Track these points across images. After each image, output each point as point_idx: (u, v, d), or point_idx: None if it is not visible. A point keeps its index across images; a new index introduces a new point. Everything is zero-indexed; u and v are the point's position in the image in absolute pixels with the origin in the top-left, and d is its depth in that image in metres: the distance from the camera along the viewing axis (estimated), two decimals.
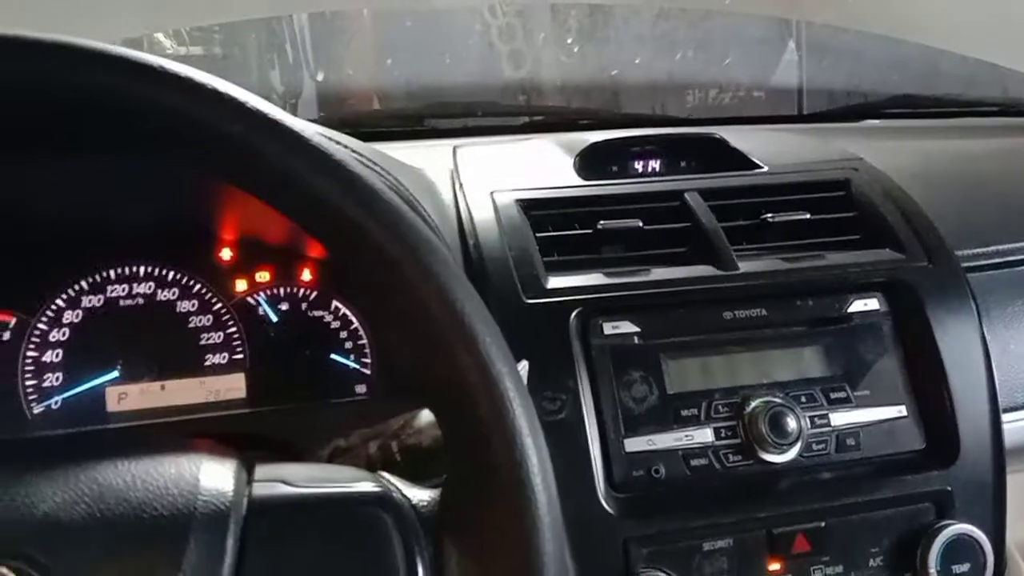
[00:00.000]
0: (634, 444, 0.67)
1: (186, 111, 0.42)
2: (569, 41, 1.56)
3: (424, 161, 0.87)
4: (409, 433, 0.54)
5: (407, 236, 0.42)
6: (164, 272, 0.75)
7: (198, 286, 0.75)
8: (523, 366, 0.55)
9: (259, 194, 0.44)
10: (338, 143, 0.59)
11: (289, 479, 0.43)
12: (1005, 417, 0.74)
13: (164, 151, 0.46)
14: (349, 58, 1.93)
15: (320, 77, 1.87)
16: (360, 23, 1.90)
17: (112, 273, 0.74)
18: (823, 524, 0.67)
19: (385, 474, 0.45)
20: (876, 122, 1.25)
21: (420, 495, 0.44)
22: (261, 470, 0.44)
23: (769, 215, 0.78)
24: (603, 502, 0.64)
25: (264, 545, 0.40)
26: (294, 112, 1.86)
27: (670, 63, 1.61)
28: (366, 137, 1.09)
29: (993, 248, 0.83)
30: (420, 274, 0.42)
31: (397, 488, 0.44)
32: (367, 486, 0.43)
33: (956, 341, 0.73)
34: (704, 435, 0.68)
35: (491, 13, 1.73)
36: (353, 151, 0.60)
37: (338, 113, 1.69)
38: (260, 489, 0.42)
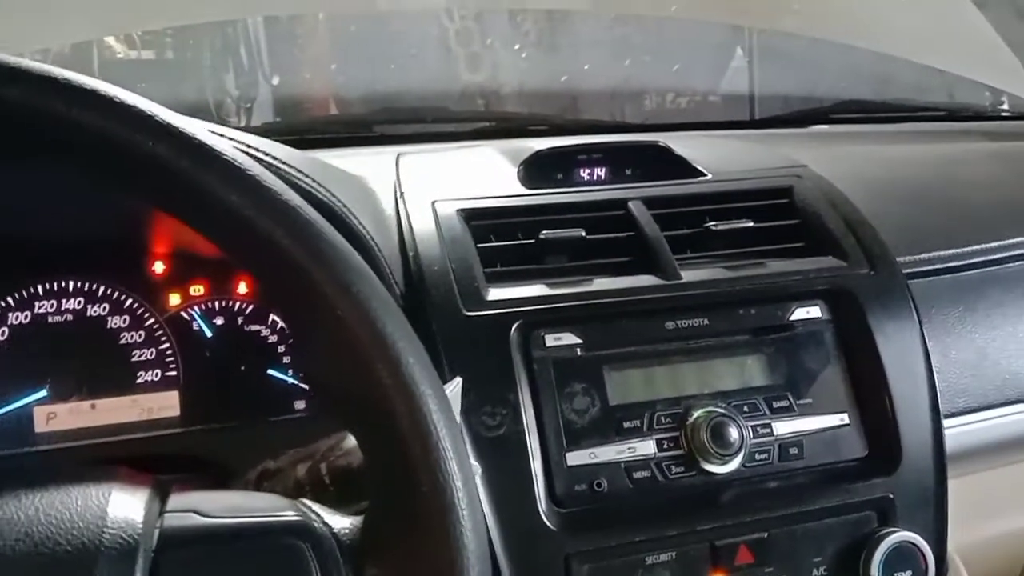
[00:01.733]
0: (576, 458, 0.66)
1: (98, 126, 0.40)
2: (517, 47, 1.55)
3: (369, 169, 0.85)
4: (338, 455, 0.53)
5: (326, 254, 0.41)
6: (94, 287, 0.73)
7: (129, 301, 0.73)
8: (456, 383, 0.54)
9: (169, 209, 0.42)
10: (266, 153, 0.58)
11: (203, 509, 0.41)
12: (947, 423, 0.75)
13: (74, 168, 0.44)
14: (305, 63, 1.90)
15: (275, 82, 1.84)
16: (316, 28, 1.87)
17: (40, 288, 0.72)
18: (766, 535, 0.67)
19: (306, 501, 0.44)
20: (825, 127, 1.26)
21: (341, 522, 0.43)
22: (175, 499, 0.42)
23: (713, 223, 0.78)
24: (544, 518, 0.63)
25: None
26: (248, 117, 1.84)
27: (624, 70, 1.61)
28: (315, 144, 1.07)
29: (935, 254, 0.84)
30: (340, 293, 0.41)
31: (318, 515, 0.43)
32: (285, 515, 0.42)
33: (897, 348, 0.73)
34: (647, 447, 0.68)
35: (448, 17, 1.72)
36: (282, 163, 0.59)
37: (293, 118, 1.67)
38: (172, 520, 0.40)
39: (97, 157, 0.41)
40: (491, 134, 1.16)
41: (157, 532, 0.40)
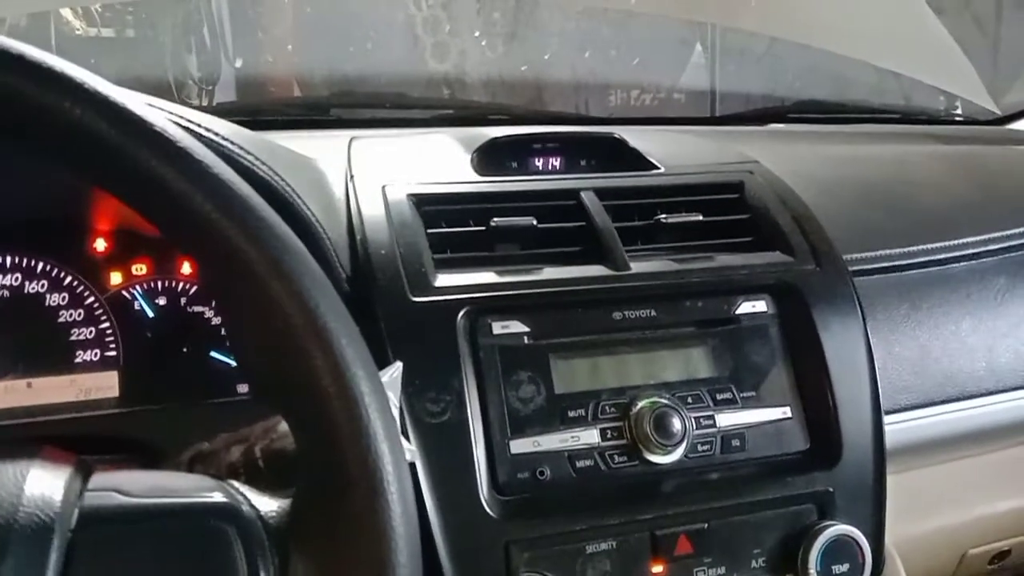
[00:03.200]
0: (520, 446, 0.66)
1: (27, 93, 0.39)
2: (477, 34, 1.54)
3: (323, 152, 0.84)
4: (274, 438, 0.52)
5: (259, 231, 0.40)
6: (32, 263, 0.71)
7: (69, 278, 0.72)
8: (396, 368, 0.54)
9: (102, 182, 0.41)
10: (208, 129, 0.57)
11: (125, 488, 0.40)
12: (887, 419, 0.76)
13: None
14: (267, 44, 1.88)
15: (238, 63, 1.81)
16: (280, 9, 1.85)
17: None
18: (706, 525, 0.67)
19: (234, 483, 0.43)
20: (782, 126, 1.27)
21: (269, 505, 0.42)
22: (97, 478, 0.41)
23: (663, 216, 0.78)
24: (485, 505, 0.63)
25: (92, 560, 0.38)
26: (209, 96, 1.81)
27: (588, 63, 1.61)
28: (272, 125, 1.06)
29: (882, 252, 0.85)
30: (271, 271, 0.40)
31: (245, 497, 0.42)
32: (210, 496, 0.41)
33: (840, 344, 0.74)
34: (590, 436, 0.68)
35: (415, 5, 1.71)
36: (224, 139, 0.58)
37: (252, 99, 1.65)
38: (92, 499, 0.39)
39: (27, 125, 0.40)
40: (451, 121, 1.16)
41: (76, 511, 0.39)
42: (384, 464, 0.40)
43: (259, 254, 0.40)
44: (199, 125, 0.56)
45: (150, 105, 0.46)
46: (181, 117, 0.55)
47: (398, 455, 0.41)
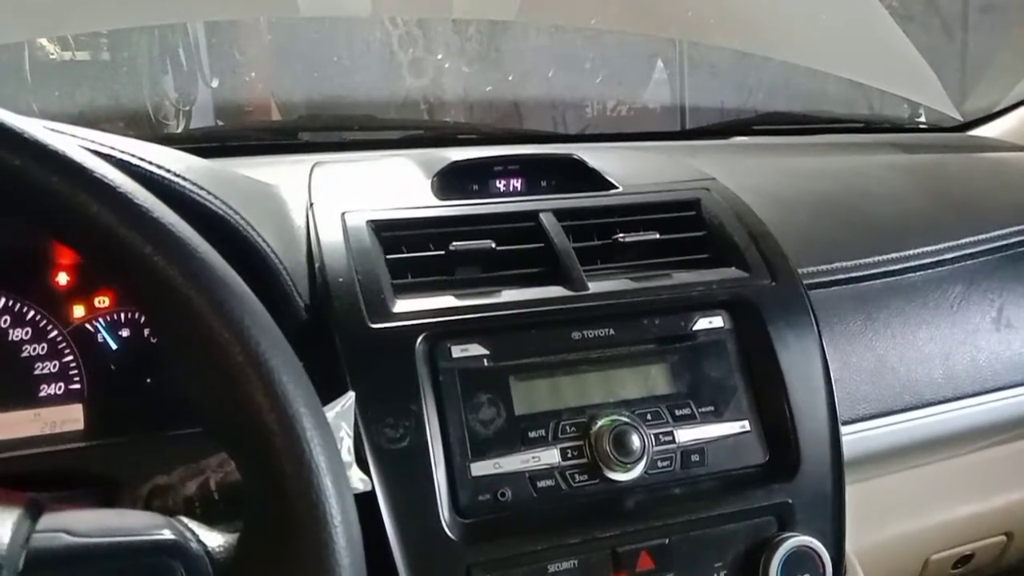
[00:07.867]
0: (481, 468, 0.67)
1: None
2: (440, 57, 1.56)
3: (288, 178, 0.85)
4: (228, 470, 0.53)
5: (199, 272, 0.41)
6: None
7: (32, 312, 0.72)
8: (347, 398, 0.54)
9: (38, 223, 0.42)
10: (159, 166, 0.57)
11: (74, 528, 0.41)
12: (846, 429, 0.77)
13: None
14: (246, 65, 1.89)
15: (215, 83, 1.82)
16: (259, 30, 1.86)
17: None
18: (667, 541, 0.68)
19: (183, 518, 0.44)
20: (745, 139, 1.28)
21: (217, 540, 0.43)
22: (46, 519, 0.42)
23: (621, 235, 0.79)
24: (446, 529, 0.63)
25: None
26: (188, 118, 1.81)
27: (557, 81, 1.62)
28: (241, 151, 1.07)
29: (837, 265, 0.86)
30: (211, 312, 0.41)
31: (193, 533, 0.43)
32: (158, 534, 0.42)
33: (796, 357, 0.75)
34: (551, 456, 0.69)
35: (391, 23, 1.72)
36: (175, 176, 0.58)
37: (221, 125, 1.65)
38: (40, 541, 0.40)
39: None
40: (420, 142, 1.16)
41: (24, 554, 0.39)
42: (327, 498, 0.41)
43: (199, 295, 0.40)
44: (149, 162, 0.56)
45: (98, 144, 0.47)
46: (132, 155, 0.56)
47: (342, 488, 0.42)
